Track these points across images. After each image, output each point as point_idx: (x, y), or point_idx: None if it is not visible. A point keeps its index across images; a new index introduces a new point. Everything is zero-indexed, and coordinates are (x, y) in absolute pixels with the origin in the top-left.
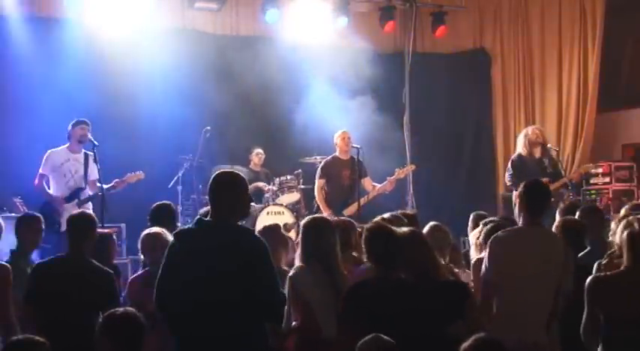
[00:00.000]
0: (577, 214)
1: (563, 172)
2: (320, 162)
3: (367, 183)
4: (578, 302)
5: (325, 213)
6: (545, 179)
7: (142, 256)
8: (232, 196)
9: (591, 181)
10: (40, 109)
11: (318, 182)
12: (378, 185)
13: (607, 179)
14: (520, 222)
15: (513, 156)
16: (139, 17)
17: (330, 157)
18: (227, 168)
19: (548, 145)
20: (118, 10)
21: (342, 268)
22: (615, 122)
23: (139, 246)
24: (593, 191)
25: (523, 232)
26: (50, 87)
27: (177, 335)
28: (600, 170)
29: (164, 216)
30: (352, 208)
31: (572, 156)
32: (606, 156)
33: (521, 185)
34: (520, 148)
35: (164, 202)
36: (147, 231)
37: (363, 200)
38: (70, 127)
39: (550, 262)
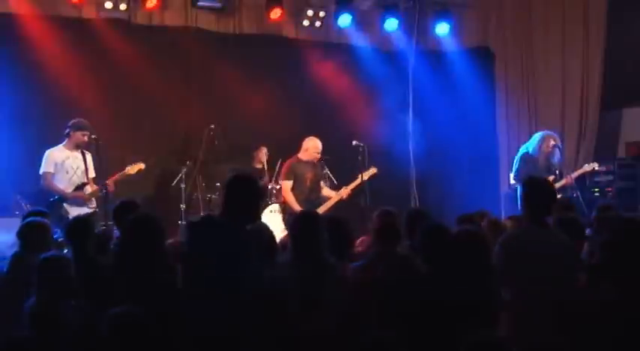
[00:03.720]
0: (593, 212)
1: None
2: (322, 160)
3: (325, 190)
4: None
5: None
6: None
7: None
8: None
9: (595, 179)
10: (42, 107)
11: (286, 183)
12: (335, 192)
13: (611, 177)
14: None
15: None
16: (142, 15)
17: (294, 158)
18: (231, 167)
19: (553, 142)
20: (121, 8)
21: None
22: (619, 120)
23: None
24: (596, 189)
25: (531, 232)
26: (53, 84)
27: None
28: None
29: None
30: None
31: (575, 154)
32: (610, 154)
33: (524, 183)
34: (533, 149)
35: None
36: None
37: (323, 208)
38: (71, 130)
39: (560, 262)
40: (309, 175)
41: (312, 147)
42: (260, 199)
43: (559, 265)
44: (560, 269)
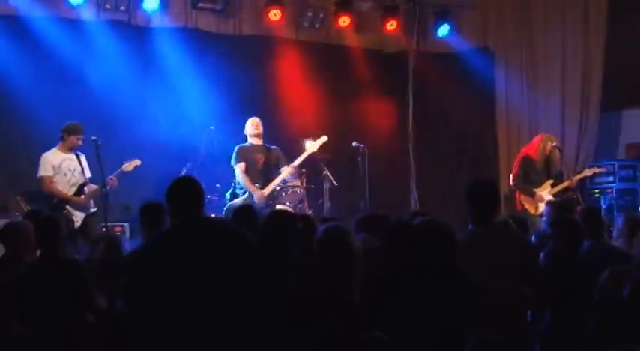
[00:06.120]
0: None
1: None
2: (322, 162)
3: (285, 171)
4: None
5: (254, 191)
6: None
7: None
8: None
9: (595, 181)
10: (42, 108)
11: (240, 166)
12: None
13: (610, 178)
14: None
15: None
16: (142, 16)
17: (246, 143)
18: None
19: (553, 144)
20: (121, 9)
21: None
22: (619, 122)
23: None
24: (596, 191)
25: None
26: (53, 85)
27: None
28: None
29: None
30: (267, 191)
31: (575, 155)
32: (610, 155)
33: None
34: (534, 151)
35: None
36: None
37: (272, 185)
38: (66, 133)
39: (510, 258)
40: (259, 156)
41: (249, 127)
42: (200, 198)
43: (508, 261)
44: (510, 265)
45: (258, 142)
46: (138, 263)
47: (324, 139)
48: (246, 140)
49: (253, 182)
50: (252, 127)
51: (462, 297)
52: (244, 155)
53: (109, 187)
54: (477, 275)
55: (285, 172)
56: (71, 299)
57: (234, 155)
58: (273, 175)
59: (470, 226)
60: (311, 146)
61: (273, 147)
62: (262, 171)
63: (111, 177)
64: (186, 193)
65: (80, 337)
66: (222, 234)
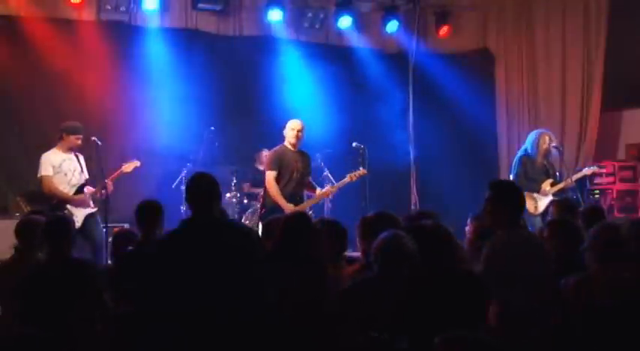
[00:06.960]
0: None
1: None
2: (322, 164)
3: (308, 184)
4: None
5: (287, 209)
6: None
7: None
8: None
9: (595, 181)
10: (42, 108)
11: (271, 174)
12: (322, 189)
13: (611, 179)
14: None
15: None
16: (142, 17)
17: (279, 146)
18: (231, 168)
19: (552, 142)
20: (121, 9)
21: None
22: (619, 122)
23: None
24: (596, 191)
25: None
26: (52, 86)
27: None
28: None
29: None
30: (305, 206)
31: (575, 155)
32: (610, 155)
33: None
34: (531, 149)
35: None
36: None
37: (309, 202)
38: (64, 133)
39: (541, 260)
40: (298, 164)
41: (288, 131)
42: (215, 194)
43: (541, 263)
44: (542, 267)
45: (294, 148)
46: (144, 262)
47: (364, 171)
48: (282, 140)
49: (289, 190)
50: (292, 133)
51: (467, 295)
52: (280, 161)
53: (104, 192)
54: (512, 278)
55: (322, 194)
56: (79, 299)
57: (269, 160)
58: (304, 184)
59: (497, 229)
60: (351, 175)
61: (305, 151)
62: (298, 180)
63: (107, 180)
64: (196, 190)
65: (86, 338)
66: (227, 231)
